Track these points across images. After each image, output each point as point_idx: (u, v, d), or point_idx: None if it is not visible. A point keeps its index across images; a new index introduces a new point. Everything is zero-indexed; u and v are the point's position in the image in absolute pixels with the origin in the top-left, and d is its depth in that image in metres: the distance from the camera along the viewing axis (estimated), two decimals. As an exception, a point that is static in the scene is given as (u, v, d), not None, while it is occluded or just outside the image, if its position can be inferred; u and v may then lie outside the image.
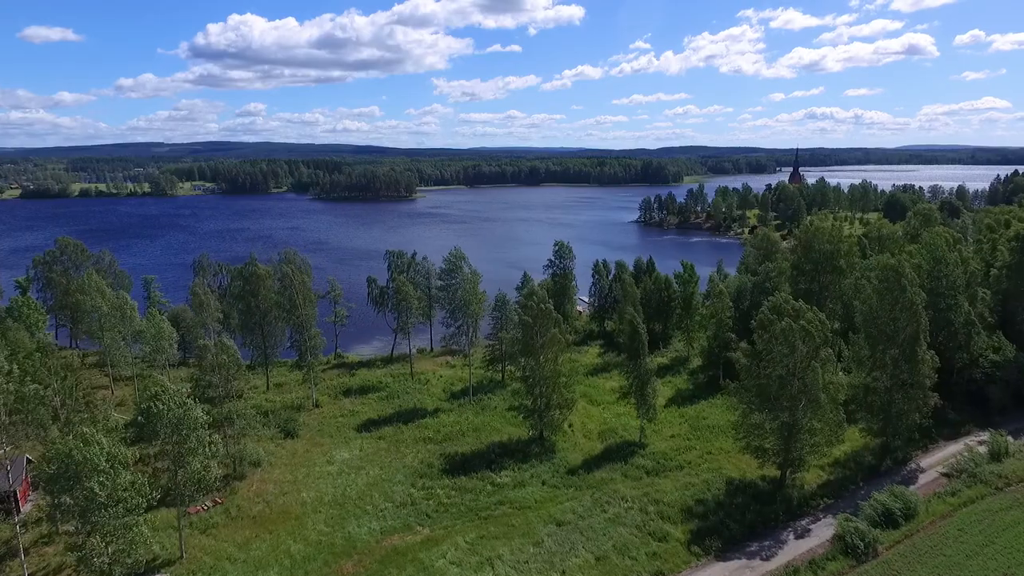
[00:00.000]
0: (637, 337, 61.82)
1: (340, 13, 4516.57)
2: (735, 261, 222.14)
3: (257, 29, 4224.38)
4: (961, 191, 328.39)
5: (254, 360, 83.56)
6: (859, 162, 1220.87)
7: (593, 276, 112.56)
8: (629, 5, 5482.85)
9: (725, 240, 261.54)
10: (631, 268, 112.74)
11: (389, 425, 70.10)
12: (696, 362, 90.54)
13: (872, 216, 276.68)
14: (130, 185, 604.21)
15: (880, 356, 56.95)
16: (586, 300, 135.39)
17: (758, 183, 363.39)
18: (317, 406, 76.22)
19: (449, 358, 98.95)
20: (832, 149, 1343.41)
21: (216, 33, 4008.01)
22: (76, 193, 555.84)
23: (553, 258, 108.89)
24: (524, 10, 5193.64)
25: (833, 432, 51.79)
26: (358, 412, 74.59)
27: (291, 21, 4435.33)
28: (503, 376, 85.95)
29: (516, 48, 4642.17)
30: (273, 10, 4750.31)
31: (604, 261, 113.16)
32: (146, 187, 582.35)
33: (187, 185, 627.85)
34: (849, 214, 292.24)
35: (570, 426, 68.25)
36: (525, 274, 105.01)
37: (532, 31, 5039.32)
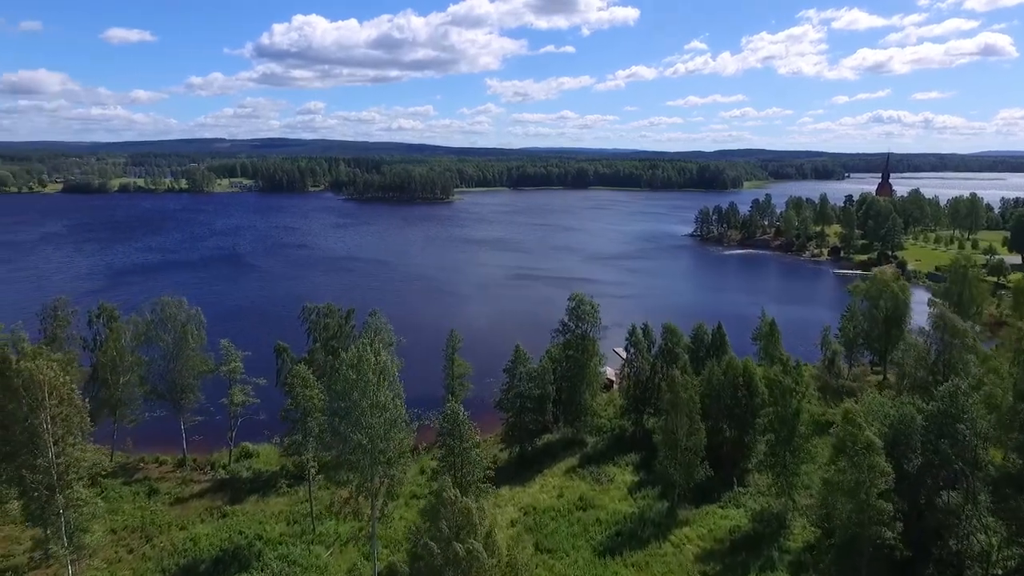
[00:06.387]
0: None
1: (396, 14, 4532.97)
2: (816, 291, 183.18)
3: (319, 29, 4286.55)
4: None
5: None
6: (933, 168, 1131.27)
7: (628, 349, 74.33)
8: (685, 5, 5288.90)
9: (802, 263, 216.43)
10: (688, 336, 74.06)
11: None
12: (801, 532, 51.51)
13: (989, 239, 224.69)
14: (168, 181, 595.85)
15: None
16: (622, 355, 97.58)
17: (830, 191, 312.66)
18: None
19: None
20: (903, 155, 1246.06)
21: (280, 33, 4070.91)
22: (116, 188, 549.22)
23: (567, 319, 71.40)
24: (577, 11, 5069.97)
25: None
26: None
27: (352, 22, 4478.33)
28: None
29: (570, 49, 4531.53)
30: (335, 11, 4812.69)
31: (645, 326, 74.44)
32: (183, 183, 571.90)
33: (225, 182, 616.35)
34: (954, 234, 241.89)
35: None
36: (517, 348, 67.95)
37: (585, 32, 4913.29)
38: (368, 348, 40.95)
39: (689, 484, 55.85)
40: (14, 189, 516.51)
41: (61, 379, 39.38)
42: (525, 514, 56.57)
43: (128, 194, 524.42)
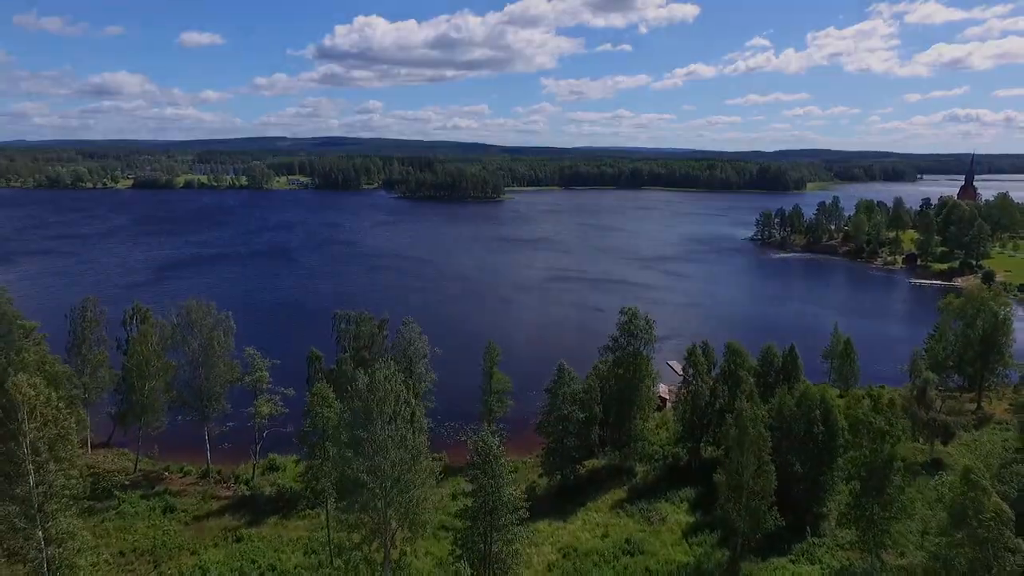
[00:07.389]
0: None
1: (454, 14, 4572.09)
2: (891, 303, 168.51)
3: (379, 30, 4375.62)
4: None
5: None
6: (1017, 170, 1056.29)
7: (686, 368, 66.76)
8: (748, 1, 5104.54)
9: (872, 271, 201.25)
10: (754, 357, 66.01)
11: None
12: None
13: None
14: (229, 178, 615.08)
15: None
16: (676, 369, 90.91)
17: (902, 194, 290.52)
18: None
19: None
20: (982, 155, 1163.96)
21: (342, 35, 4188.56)
22: (181, 184, 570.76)
23: (618, 334, 64.65)
24: (635, 9, 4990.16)
25: None
26: None
27: (411, 23, 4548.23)
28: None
29: (627, 47, 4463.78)
30: (395, 11, 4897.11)
31: (705, 344, 66.82)
32: (243, 180, 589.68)
33: (283, 179, 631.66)
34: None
35: None
36: (560, 366, 61.47)
37: (643, 30, 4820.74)
38: (385, 377, 35.59)
39: (755, 533, 48.37)
40: (90, 185, 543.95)
41: (43, 397, 35.52)
42: (564, 556, 50.30)
43: (192, 190, 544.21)
